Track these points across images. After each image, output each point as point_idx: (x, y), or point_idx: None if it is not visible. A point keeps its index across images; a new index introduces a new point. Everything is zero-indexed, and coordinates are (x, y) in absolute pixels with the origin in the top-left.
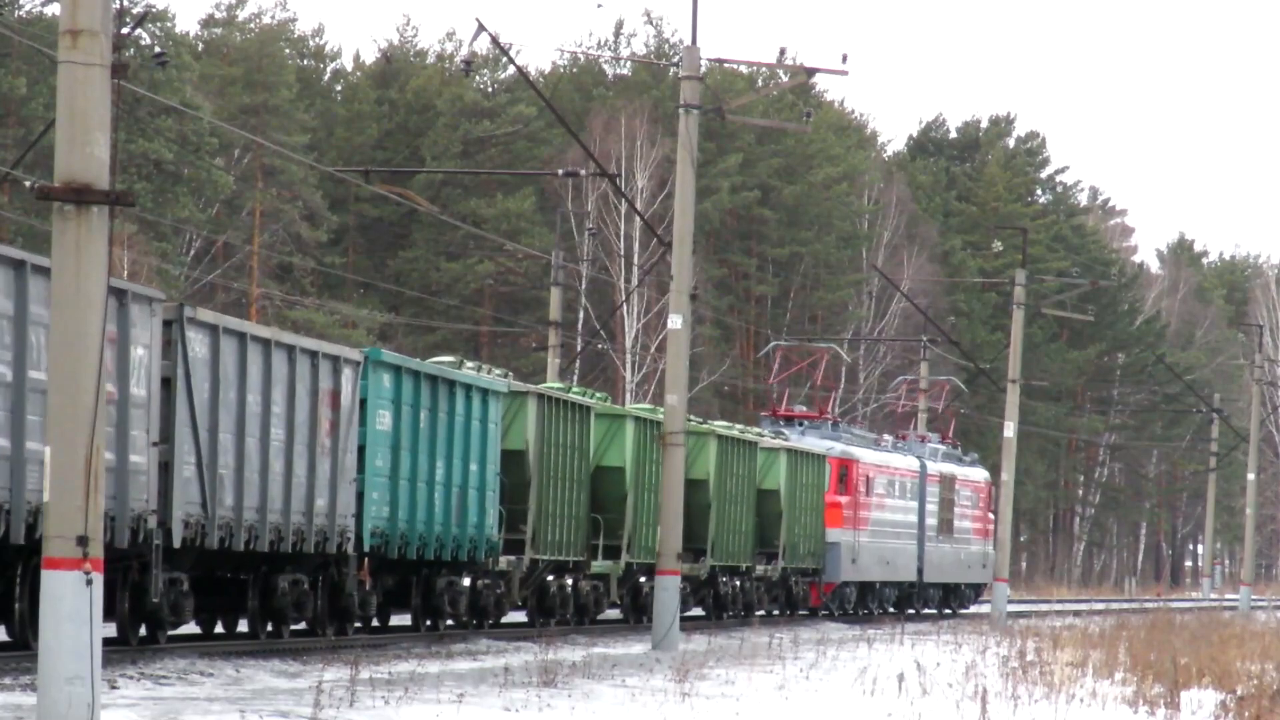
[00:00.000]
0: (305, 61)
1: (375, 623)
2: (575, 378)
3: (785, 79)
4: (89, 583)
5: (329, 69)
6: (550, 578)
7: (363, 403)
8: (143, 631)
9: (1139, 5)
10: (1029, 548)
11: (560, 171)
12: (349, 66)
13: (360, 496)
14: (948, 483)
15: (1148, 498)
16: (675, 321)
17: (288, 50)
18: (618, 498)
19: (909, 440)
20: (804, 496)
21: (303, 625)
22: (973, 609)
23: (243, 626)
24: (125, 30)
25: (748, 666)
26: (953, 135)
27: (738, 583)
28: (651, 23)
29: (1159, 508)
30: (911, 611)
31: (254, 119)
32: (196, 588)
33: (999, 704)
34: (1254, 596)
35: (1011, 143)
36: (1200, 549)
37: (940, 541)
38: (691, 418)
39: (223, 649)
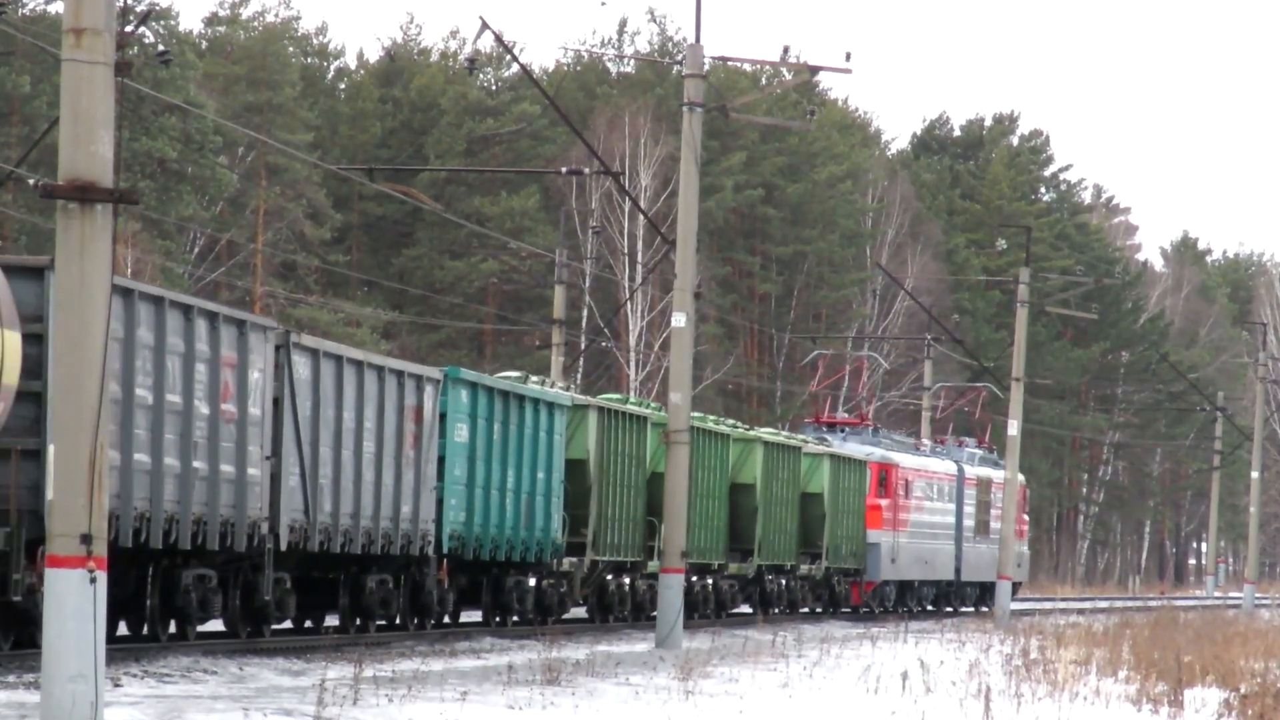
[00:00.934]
0: (309, 60)
1: (446, 619)
2: (579, 376)
3: (789, 77)
4: (93, 581)
5: (333, 67)
6: (609, 577)
7: (442, 417)
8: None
9: (1142, 4)
10: (1033, 546)
11: (564, 170)
12: (353, 65)
13: (440, 503)
14: (984, 486)
15: (1152, 496)
16: (679, 320)
17: (291, 48)
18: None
19: (947, 445)
20: (846, 500)
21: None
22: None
23: (330, 621)
24: (129, 28)
25: (751, 665)
26: (956, 133)
27: (783, 581)
28: (655, 21)
29: (1163, 506)
30: (949, 609)
31: (258, 117)
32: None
33: (1002, 702)
34: (1258, 595)
35: (1015, 141)
36: (1204, 547)
37: (977, 542)
38: (739, 424)
39: (226, 647)
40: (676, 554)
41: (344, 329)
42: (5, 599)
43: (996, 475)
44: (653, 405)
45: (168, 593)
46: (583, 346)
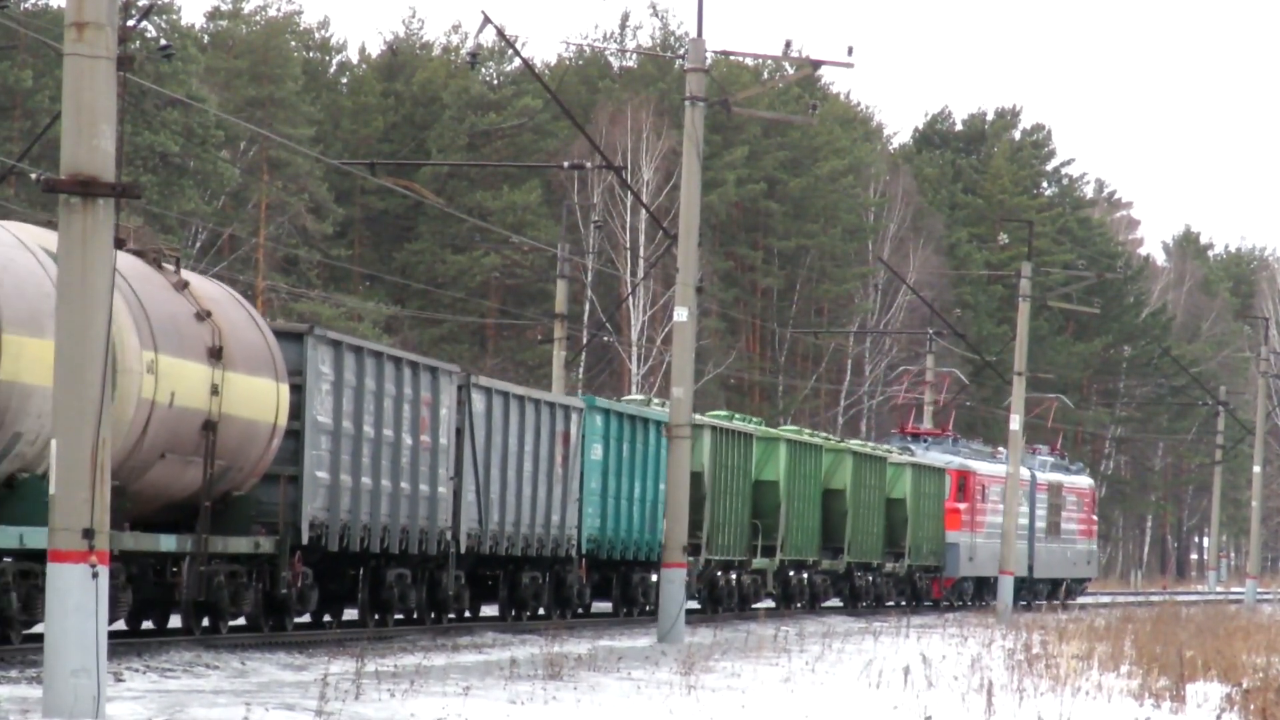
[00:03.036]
0: (311, 54)
1: (578, 611)
2: (581, 371)
3: (791, 71)
4: (95, 575)
5: (335, 61)
6: (719, 573)
7: (582, 439)
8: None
9: None
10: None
11: (566, 164)
12: (355, 59)
13: (580, 512)
14: (1055, 490)
15: (1154, 490)
16: (681, 314)
17: (293, 43)
18: (773, 506)
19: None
20: (927, 504)
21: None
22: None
23: (488, 611)
24: (131, 23)
25: (753, 659)
26: (958, 128)
27: (870, 577)
28: (657, 15)
29: (1165, 500)
30: (1024, 603)
31: (260, 111)
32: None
33: (1004, 697)
34: (1260, 589)
35: (1017, 135)
36: (1206, 542)
37: (1049, 541)
38: (830, 437)
39: (228, 642)
40: (678, 548)
41: (346, 323)
42: (274, 592)
43: (1067, 480)
44: (755, 421)
45: (374, 588)
46: (585, 341)
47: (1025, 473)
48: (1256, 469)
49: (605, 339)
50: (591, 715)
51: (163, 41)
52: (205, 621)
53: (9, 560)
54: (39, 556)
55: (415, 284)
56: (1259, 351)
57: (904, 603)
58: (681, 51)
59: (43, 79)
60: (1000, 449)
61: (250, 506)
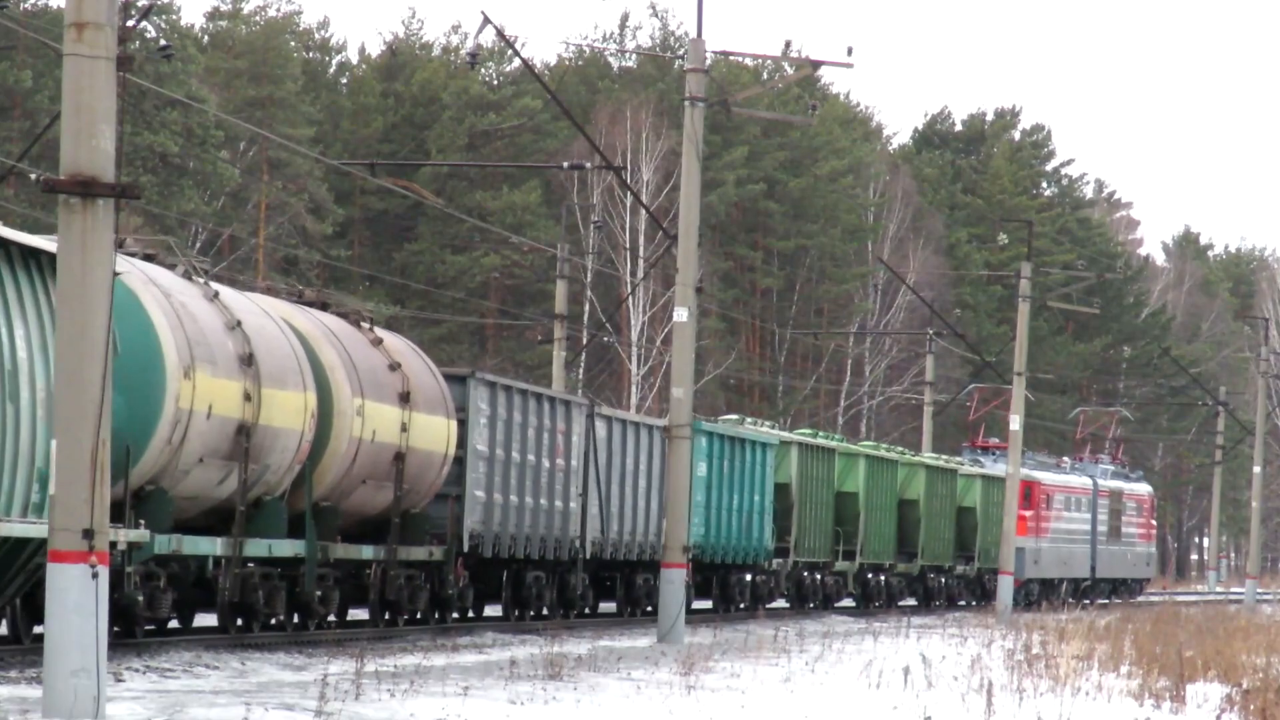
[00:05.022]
0: (310, 54)
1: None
2: (581, 371)
3: (791, 72)
4: (95, 576)
5: (334, 62)
6: (805, 574)
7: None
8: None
9: None
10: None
11: (566, 164)
12: (354, 59)
13: (687, 521)
14: (1116, 496)
15: (1153, 490)
16: (681, 314)
17: (293, 43)
18: (853, 514)
19: (1084, 462)
20: (995, 512)
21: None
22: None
23: (607, 607)
24: (130, 23)
25: (753, 659)
26: (958, 128)
27: (942, 579)
28: (657, 15)
29: (1164, 500)
30: (1086, 601)
31: (259, 112)
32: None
33: (1004, 697)
34: (1259, 590)
35: (1017, 135)
36: (1206, 542)
37: (1110, 544)
38: (905, 450)
39: (228, 642)
40: (678, 549)
41: None
42: (444, 593)
43: (1127, 488)
44: (837, 437)
45: (515, 587)
46: (584, 341)
47: (1087, 481)
48: (1256, 469)
49: (605, 339)
50: (591, 715)
51: (162, 42)
52: (386, 615)
53: (251, 565)
54: (278, 563)
55: (415, 284)
56: (1259, 352)
57: (974, 602)
58: (681, 52)
59: (42, 79)
60: (1065, 459)
61: (425, 521)
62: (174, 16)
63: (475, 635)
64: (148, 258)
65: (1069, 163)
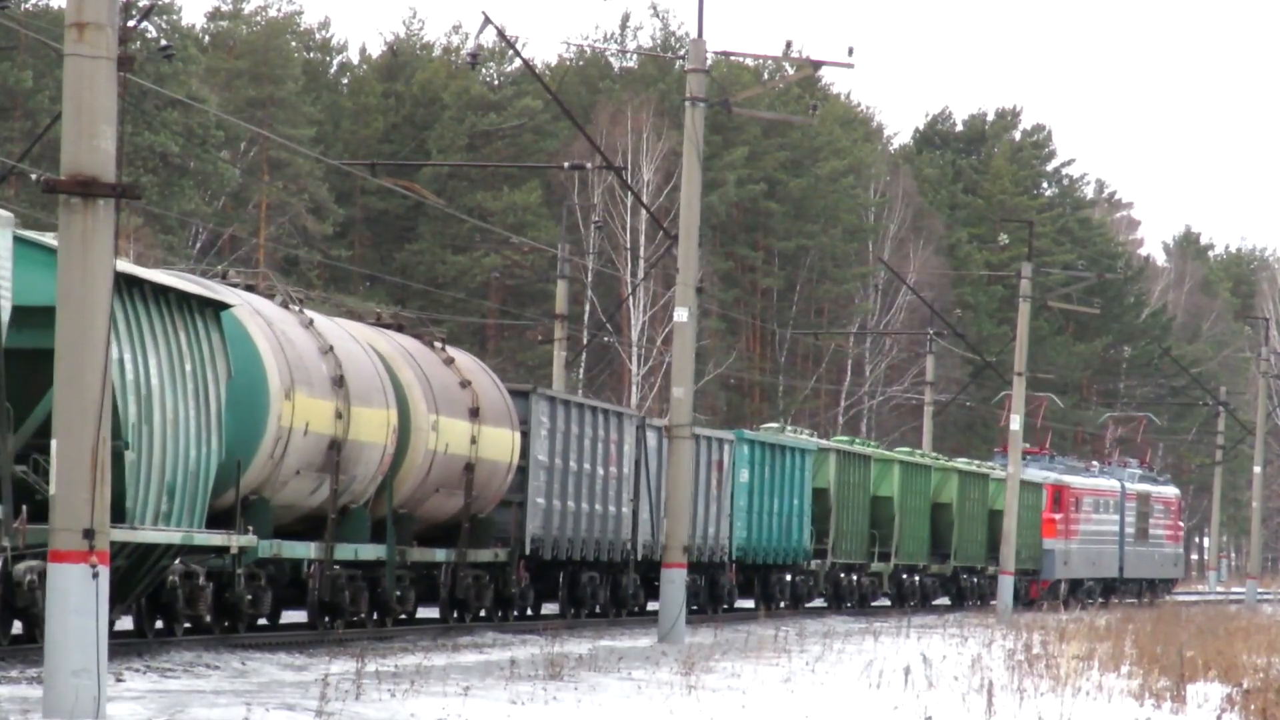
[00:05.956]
0: (311, 54)
1: (718, 608)
2: (581, 371)
3: (791, 72)
4: (95, 575)
5: (335, 62)
6: (842, 574)
7: (732, 465)
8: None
9: None
10: None
11: (566, 165)
12: (355, 59)
13: (731, 525)
14: (1143, 499)
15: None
16: (681, 315)
17: (294, 43)
18: (888, 518)
19: (1112, 466)
20: (1025, 515)
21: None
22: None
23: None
24: (131, 23)
25: (754, 660)
26: (959, 128)
27: (974, 579)
28: (658, 16)
29: None
30: (1115, 600)
31: (260, 112)
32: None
33: (1005, 697)
34: (1260, 590)
35: (1017, 135)
36: (1206, 542)
37: (1137, 545)
38: (938, 456)
39: (229, 642)
40: (678, 549)
41: None
42: (507, 592)
43: (1155, 490)
44: (874, 444)
45: (571, 587)
46: (585, 341)
47: (1115, 484)
48: (1257, 469)
49: (605, 339)
50: (592, 715)
51: (163, 42)
52: (455, 614)
53: (338, 567)
54: (361, 565)
55: (415, 284)
56: (1259, 352)
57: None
58: (682, 52)
59: (43, 79)
60: (1094, 463)
61: (490, 526)
62: (175, 17)
63: (476, 635)
64: (248, 288)
65: (1069, 163)
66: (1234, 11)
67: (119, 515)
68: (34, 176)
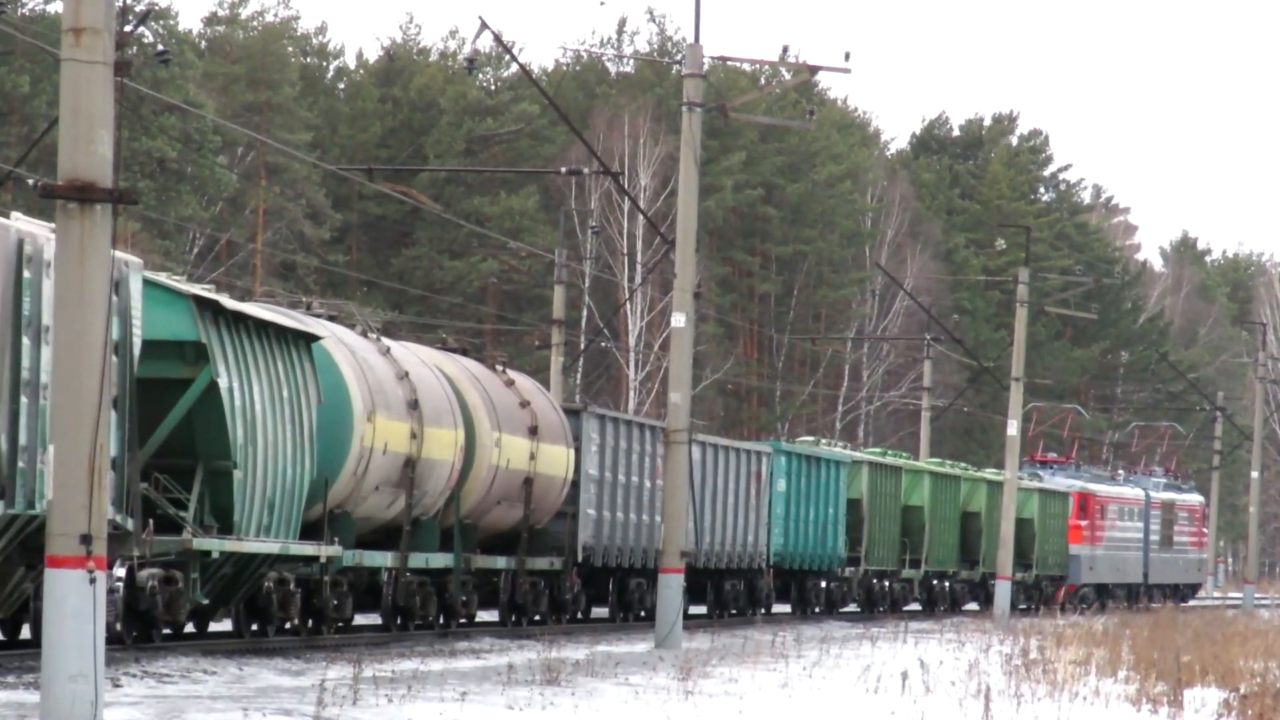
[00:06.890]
0: (308, 59)
1: (756, 611)
2: (579, 376)
3: (788, 77)
4: (92, 581)
5: (332, 67)
6: (875, 581)
7: (770, 475)
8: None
9: (1142, 3)
10: None
11: (563, 169)
12: (352, 64)
13: (769, 533)
14: (1167, 506)
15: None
16: (679, 320)
17: (291, 48)
18: (919, 526)
19: (1137, 474)
20: (1052, 522)
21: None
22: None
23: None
24: (128, 28)
25: (751, 665)
26: (956, 133)
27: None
28: (654, 21)
29: None
30: (1140, 604)
31: (257, 117)
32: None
33: (1002, 702)
34: (1257, 595)
35: (1015, 140)
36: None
37: (1161, 552)
38: (968, 466)
39: (225, 648)
40: (675, 554)
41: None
42: (561, 598)
43: (1179, 498)
44: (904, 455)
45: (620, 593)
46: (582, 347)
47: (1139, 492)
48: (1254, 474)
49: (603, 345)
50: None
51: (160, 47)
52: (513, 617)
53: (410, 575)
54: (429, 572)
55: (413, 289)
56: (1257, 357)
57: (1031, 606)
58: (679, 57)
59: (40, 84)
60: (1120, 472)
61: (546, 536)
62: (172, 22)
63: (473, 640)
64: (331, 319)
65: (1067, 168)
66: (1231, 16)
67: (226, 528)
68: (31, 181)
